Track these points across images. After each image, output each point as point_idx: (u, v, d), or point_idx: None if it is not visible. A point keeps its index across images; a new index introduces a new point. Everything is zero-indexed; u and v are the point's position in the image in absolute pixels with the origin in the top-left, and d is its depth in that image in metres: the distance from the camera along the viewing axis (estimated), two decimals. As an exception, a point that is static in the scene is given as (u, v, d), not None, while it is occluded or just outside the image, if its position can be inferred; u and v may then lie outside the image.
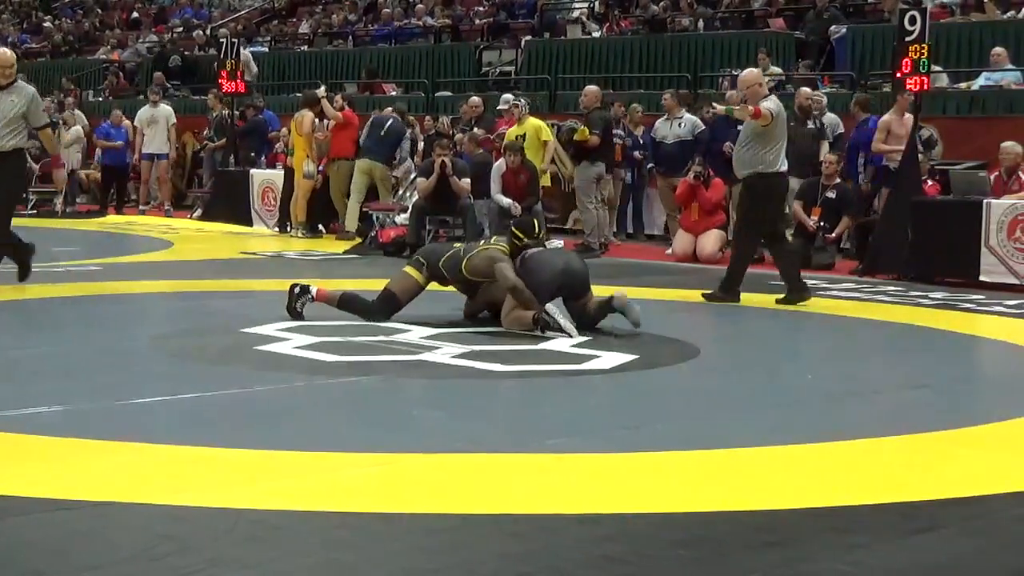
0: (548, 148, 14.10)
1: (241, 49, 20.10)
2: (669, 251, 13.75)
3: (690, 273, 12.15)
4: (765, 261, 12.97)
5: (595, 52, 19.25)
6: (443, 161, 13.11)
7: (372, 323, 8.07)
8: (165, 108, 18.95)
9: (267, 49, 24.55)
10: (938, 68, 15.03)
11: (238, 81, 17.24)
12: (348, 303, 8.36)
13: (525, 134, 13.89)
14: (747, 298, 10.17)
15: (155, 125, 18.62)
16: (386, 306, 8.27)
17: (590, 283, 8.20)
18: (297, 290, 8.23)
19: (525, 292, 7.89)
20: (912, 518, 4.23)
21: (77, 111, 21.06)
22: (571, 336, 7.62)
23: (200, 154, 19.77)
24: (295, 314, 8.15)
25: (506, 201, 13.12)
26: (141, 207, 19.07)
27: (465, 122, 15.77)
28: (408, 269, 8.38)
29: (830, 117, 14.02)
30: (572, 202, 14.88)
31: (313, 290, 8.25)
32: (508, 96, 15.72)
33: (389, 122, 14.79)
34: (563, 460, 4.88)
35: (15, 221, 10.07)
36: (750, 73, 10.17)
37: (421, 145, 16.00)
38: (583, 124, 13.81)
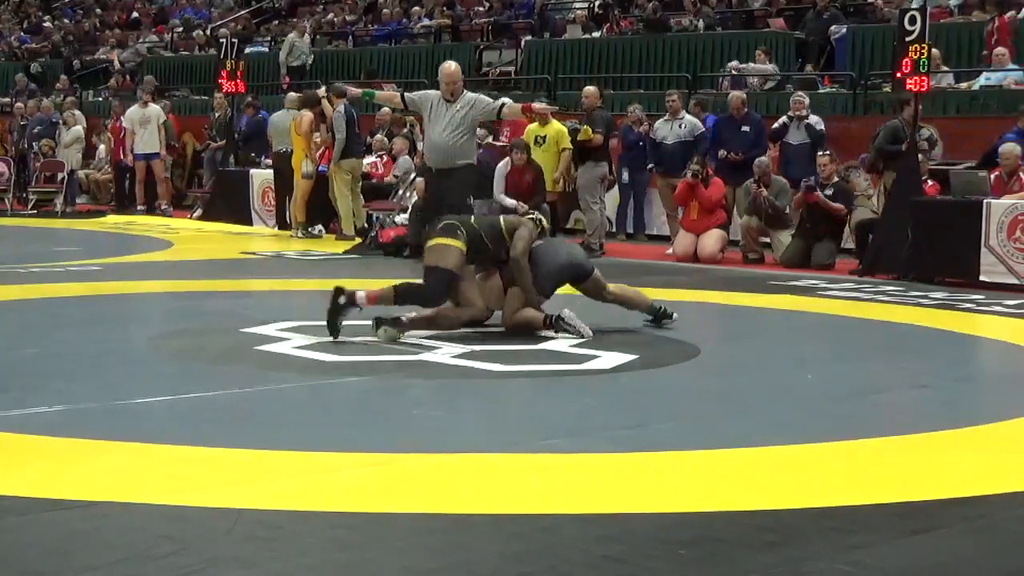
0: (565, 157, 13.96)
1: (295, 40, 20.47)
2: (669, 251, 13.74)
3: (690, 273, 12.15)
4: (765, 261, 13.01)
5: (595, 52, 19.26)
6: None
7: (372, 323, 8.07)
8: (155, 108, 18.94)
9: (267, 49, 24.56)
10: (945, 68, 15.06)
11: (238, 81, 17.24)
12: (406, 296, 7.59)
13: (546, 136, 13.85)
14: (746, 298, 10.17)
15: (147, 125, 18.62)
16: (448, 288, 7.60)
17: (590, 268, 8.10)
18: (343, 300, 7.32)
19: (527, 274, 7.70)
20: (912, 518, 4.23)
21: (77, 111, 21.07)
22: (587, 337, 7.61)
23: (202, 154, 19.79)
24: (335, 330, 7.32)
25: (510, 202, 13.08)
26: (139, 207, 19.07)
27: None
28: (452, 242, 7.55)
29: (814, 118, 14.00)
30: (572, 202, 14.86)
31: (361, 296, 7.41)
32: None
33: (352, 113, 14.66)
34: (563, 460, 4.88)
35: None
36: (456, 67, 9.99)
37: (421, 145, 15.98)
38: (585, 124, 13.81)
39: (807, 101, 14.15)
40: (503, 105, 9.95)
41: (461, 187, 9.63)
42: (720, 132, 14.24)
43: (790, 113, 13.99)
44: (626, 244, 14.96)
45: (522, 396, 6.41)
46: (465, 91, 9.78)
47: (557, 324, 7.70)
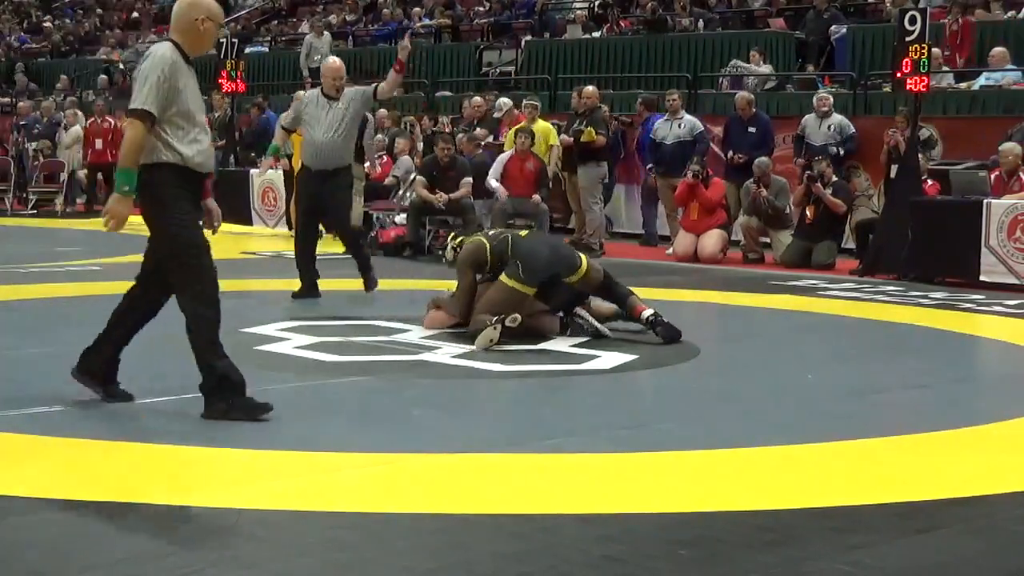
0: (554, 153, 14.02)
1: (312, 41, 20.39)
2: (669, 251, 13.74)
3: (691, 273, 12.15)
4: (765, 261, 13.00)
5: (595, 52, 19.24)
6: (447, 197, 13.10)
7: (372, 323, 8.06)
8: None
9: (267, 49, 24.54)
10: (946, 68, 15.05)
11: (238, 81, 17.24)
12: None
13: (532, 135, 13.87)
14: (746, 298, 10.17)
15: None
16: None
17: (568, 258, 7.85)
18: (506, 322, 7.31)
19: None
20: (912, 518, 4.23)
21: (78, 111, 21.07)
22: (607, 336, 7.61)
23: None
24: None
25: (495, 184, 13.07)
26: None
27: (467, 123, 15.75)
28: (524, 289, 7.59)
29: (839, 118, 13.94)
30: (566, 203, 14.85)
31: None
32: (504, 100, 15.70)
33: None
34: (563, 460, 4.88)
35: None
36: (340, 62, 9.74)
37: (421, 146, 15.99)
38: (586, 125, 13.82)
39: (831, 99, 14.08)
40: (376, 87, 9.77)
41: (341, 189, 9.53)
42: (727, 132, 14.23)
43: (821, 110, 13.83)
44: (625, 244, 14.92)
45: (522, 396, 6.41)
46: (345, 88, 9.64)
47: (572, 323, 7.70)
